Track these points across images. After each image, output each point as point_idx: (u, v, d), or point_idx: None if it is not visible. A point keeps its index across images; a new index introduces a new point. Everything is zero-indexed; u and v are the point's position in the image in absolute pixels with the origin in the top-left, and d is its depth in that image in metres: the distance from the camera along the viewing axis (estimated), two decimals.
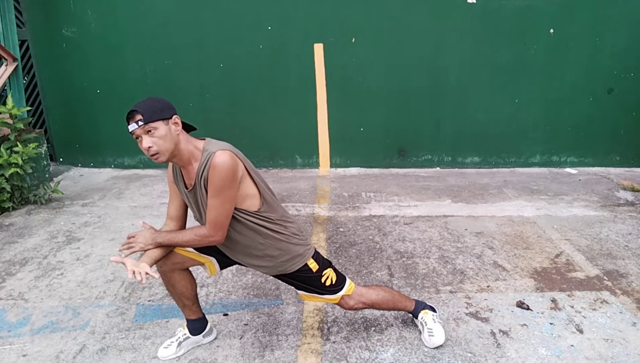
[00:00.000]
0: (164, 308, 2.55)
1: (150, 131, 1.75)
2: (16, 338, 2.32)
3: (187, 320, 2.21)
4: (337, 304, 2.14)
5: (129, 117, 1.77)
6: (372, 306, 2.19)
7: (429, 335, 2.21)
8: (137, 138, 1.78)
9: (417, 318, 2.30)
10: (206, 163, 1.79)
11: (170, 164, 1.97)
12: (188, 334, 2.20)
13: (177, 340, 2.19)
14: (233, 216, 1.88)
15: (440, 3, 4.75)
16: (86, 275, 2.92)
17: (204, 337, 2.24)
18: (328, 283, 2.06)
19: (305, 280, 2.05)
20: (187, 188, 1.92)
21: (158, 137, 1.76)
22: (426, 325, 2.25)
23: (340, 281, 2.09)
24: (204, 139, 1.91)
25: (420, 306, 2.32)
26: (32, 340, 2.30)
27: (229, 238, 1.94)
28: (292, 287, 2.16)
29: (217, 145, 1.84)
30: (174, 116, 1.83)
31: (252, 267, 2.06)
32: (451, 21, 4.80)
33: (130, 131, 1.77)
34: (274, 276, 2.09)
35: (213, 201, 1.80)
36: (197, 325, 2.21)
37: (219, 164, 1.76)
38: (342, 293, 2.09)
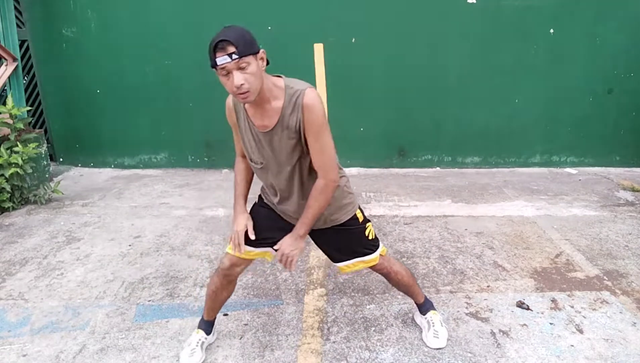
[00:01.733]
0: (164, 308, 2.55)
1: (243, 66, 1.56)
2: (16, 338, 2.32)
3: (206, 322, 2.18)
4: (373, 267, 2.10)
5: (218, 48, 1.55)
6: (396, 274, 2.17)
7: (434, 337, 2.21)
8: (226, 73, 1.58)
9: (424, 315, 2.30)
10: (295, 103, 1.67)
11: (231, 103, 1.83)
12: (205, 335, 2.18)
13: (198, 344, 2.15)
14: (304, 160, 1.79)
15: (440, 3, 4.75)
16: (86, 275, 2.92)
17: (211, 336, 2.25)
18: (371, 236, 2.04)
19: (352, 234, 2.00)
20: (259, 129, 1.76)
21: (250, 73, 1.57)
22: (433, 325, 2.25)
23: (377, 238, 2.10)
24: (280, 76, 1.74)
25: (430, 304, 2.33)
26: (32, 340, 2.30)
27: (299, 184, 1.84)
28: (331, 257, 2.09)
29: (301, 83, 1.71)
30: (262, 50, 1.63)
31: None
32: (451, 21, 4.80)
33: (218, 64, 1.55)
34: (320, 233, 2.00)
35: (320, 142, 1.71)
36: (210, 326, 2.21)
37: (316, 103, 1.65)
38: (379, 251, 2.08)
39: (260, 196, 2.10)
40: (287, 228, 1.95)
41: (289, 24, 4.80)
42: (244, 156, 1.98)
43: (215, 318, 2.21)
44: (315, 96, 1.67)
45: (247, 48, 1.55)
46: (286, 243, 1.86)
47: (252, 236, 1.95)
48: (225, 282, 2.06)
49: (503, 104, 5.04)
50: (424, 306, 2.31)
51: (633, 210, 3.91)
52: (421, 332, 2.31)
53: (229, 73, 1.57)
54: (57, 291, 2.74)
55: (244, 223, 1.95)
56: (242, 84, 1.57)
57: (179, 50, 4.86)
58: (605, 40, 4.81)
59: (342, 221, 1.98)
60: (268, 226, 2.00)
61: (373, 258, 2.07)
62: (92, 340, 2.29)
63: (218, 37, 1.55)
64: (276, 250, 1.92)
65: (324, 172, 1.77)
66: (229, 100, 1.84)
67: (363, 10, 4.76)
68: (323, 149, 1.74)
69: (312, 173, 1.83)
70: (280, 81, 1.71)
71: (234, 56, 1.53)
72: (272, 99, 1.69)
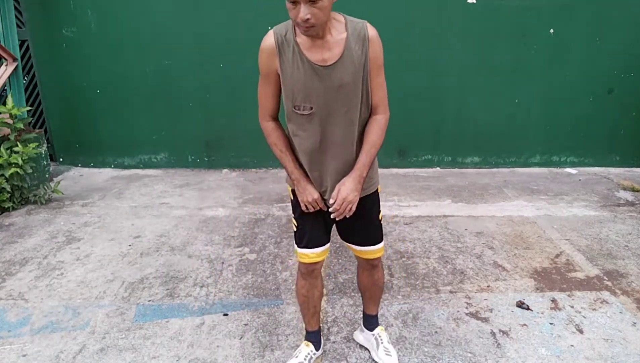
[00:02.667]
0: (164, 308, 2.55)
1: (314, 1, 1.45)
2: (16, 338, 2.32)
3: (312, 333, 2.11)
4: (372, 259, 1.97)
5: None
6: (380, 271, 2.07)
7: (386, 354, 2.09)
8: (294, 2, 1.47)
9: (372, 330, 2.17)
10: (359, 35, 1.63)
11: (272, 43, 1.64)
12: (314, 350, 2.10)
13: (307, 359, 2.05)
14: (359, 103, 1.70)
15: (440, 3, 4.75)
16: (86, 275, 2.92)
17: (320, 350, 2.16)
18: (381, 215, 1.94)
19: (373, 211, 1.89)
20: (317, 63, 1.63)
21: (319, 8, 1.47)
22: (382, 342, 2.13)
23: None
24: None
25: (377, 319, 2.21)
26: (32, 340, 2.30)
27: (349, 133, 1.72)
28: (346, 237, 1.96)
29: (357, 19, 1.68)
30: None
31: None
32: (451, 21, 4.80)
33: None
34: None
35: (381, 76, 1.70)
36: (319, 337, 2.14)
37: (377, 35, 1.63)
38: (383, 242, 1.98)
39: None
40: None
41: None
42: (275, 119, 1.79)
43: (319, 328, 2.13)
44: (375, 29, 1.66)
45: None
46: (347, 188, 1.68)
47: (322, 204, 1.83)
48: (312, 279, 1.97)
49: (503, 104, 5.04)
50: (375, 320, 2.18)
51: (633, 210, 3.91)
52: (370, 348, 2.18)
53: (295, 3, 1.47)
54: (57, 291, 2.74)
55: (317, 191, 1.80)
56: (308, 19, 1.47)
57: (179, 50, 4.85)
58: (605, 40, 4.81)
59: (371, 192, 1.87)
60: (319, 224, 1.90)
61: (381, 247, 1.96)
62: (92, 340, 2.29)
63: None
64: (326, 202, 1.79)
65: (384, 107, 1.74)
66: (269, 39, 1.64)
67: (362, 10, 4.74)
68: (383, 83, 1.72)
69: (357, 124, 1.73)
70: (339, 15, 1.66)
71: None
72: (333, 30, 1.61)
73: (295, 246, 1.95)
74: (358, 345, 2.23)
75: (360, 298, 2.19)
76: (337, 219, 1.75)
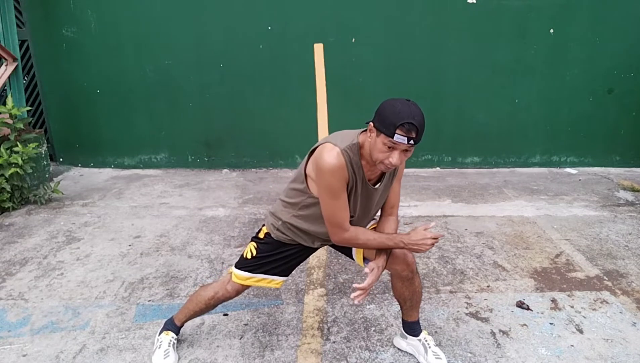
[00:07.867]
0: (164, 308, 2.55)
1: (409, 150, 1.61)
2: (16, 338, 2.32)
3: (179, 327, 2.20)
4: (408, 259, 1.96)
5: (404, 127, 1.53)
6: (419, 277, 2.09)
7: (436, 358, 2.05)
8: (391, 148, 1.59)
9: (417, 336, 2.13)
10: None
11: (344, 161, 1.69)
12: (175, 335, 2.18)
13: (170, 345, 2.13)
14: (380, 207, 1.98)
15: (440, 3, 4.75)
16: (86, 275, 2.92)
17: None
18: None
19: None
20: (371, 184, 1.81)
21: (407, 156, 1.64)
22: (430, 347, 2.09)
23: None
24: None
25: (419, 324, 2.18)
26: (32, 340, 2.30)
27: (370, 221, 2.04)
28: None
29: None
30: None
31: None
32: (451, 21, 4.80)
33: (396, 141, 1.55)
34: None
35: (399, 185, 1.95)
36: (179, 330, 2.23)
37: None
38: None
39: (275, 241, 1.98)
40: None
41: (289, 24, 4.80)
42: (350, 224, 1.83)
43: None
44: None
45: (421, 137, 1.60)
46: (377, 274, 1.84)
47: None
48: (219, 303, 2.09)
49: (503, 104, 5.04)
50: (418, 326, 2.14)
51: (633, 210, 3.91)
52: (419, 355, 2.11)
53: (393, 148, 1.60)
54: (57, 291, 2.74)
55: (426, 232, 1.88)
56: (396, 164, 1.62)
57: (179, 50, 4.86)
58: (605, 40, 4.81)
59: None
60: (293, 263, 2.06)
61: None
62: (92, 340, 2.29)
63: (408, 117, 1.54)
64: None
65: (397, 209, 1.99)
66: (341, 162, 1.68)
67: (363, 10, 4.76)
68: (400, 189, 1.97)
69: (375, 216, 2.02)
70: None
71: (411, 142, 1.57)
72: None
73: (251, 273, 1.98)
74: (358, 345, 2.23)
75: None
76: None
